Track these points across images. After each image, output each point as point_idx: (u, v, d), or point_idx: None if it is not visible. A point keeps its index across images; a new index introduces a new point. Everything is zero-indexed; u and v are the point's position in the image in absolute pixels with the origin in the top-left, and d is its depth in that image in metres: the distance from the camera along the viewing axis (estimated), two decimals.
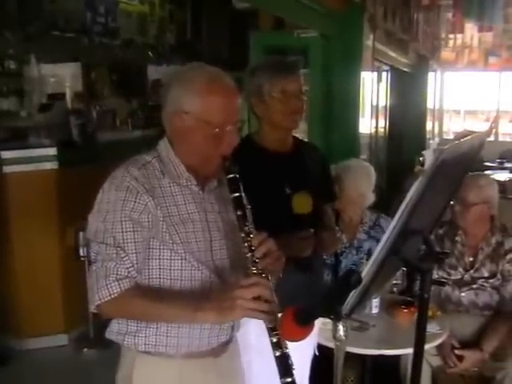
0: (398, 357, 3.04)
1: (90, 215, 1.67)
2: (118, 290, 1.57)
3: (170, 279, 1.66)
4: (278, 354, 1.56)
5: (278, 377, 1.58)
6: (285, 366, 1.57)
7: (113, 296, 1.57)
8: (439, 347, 2.98)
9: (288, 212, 2.24)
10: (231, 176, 1.67)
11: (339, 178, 3.34)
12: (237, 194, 1.65)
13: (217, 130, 1.66)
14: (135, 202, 1.61)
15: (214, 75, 1.70)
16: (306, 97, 2.37)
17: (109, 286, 1.57)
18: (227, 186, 1.68)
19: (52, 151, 4.29)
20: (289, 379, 1.57)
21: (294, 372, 1.58)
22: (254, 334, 2.03)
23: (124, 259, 1.59)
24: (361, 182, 3.41)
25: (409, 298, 3.06)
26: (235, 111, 1.70)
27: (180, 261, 1.66)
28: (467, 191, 3.12)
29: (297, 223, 2.18)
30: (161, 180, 1.68)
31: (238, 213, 1.64)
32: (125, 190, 1.61)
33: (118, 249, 1.60)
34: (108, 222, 1.61)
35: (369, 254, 3.31)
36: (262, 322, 1.56)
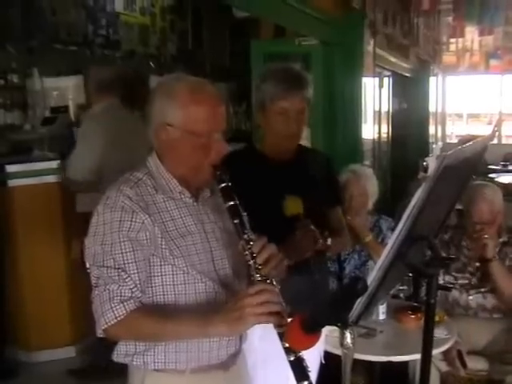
0: (406, 362, 3.04)
1: (87, 239, 1.64)
2: (124, 311, 1.55)
3: (175, 294, 1.65)
4: (291, 358, 1.54)
5: (285, 382, 1.57)
6: (300, 369, 1.55)
7: (119, 318, 1.55)
8: (445, 353, 2.98)
9: (286, 221, 2.23)
10: (224, 185, 1.66)
11: (346, 184, 3.35)
12: (232, 203, 1.64)
13: (203, 139, 1.65)
14: (131, 221, 1.59)
15: (196, 85, 1.69)
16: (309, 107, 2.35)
17: (114, 308, 1.55)
18: (221, 196, 1.67)
19: (56, 164, 4.30)
20: (306, 382, 1.55)
21: (310, 375, 1.56)
22: (257, 337, 2.02)
23: (126, 280, 1.57)
24: (368, 186, 3.43)
25: (415, 304, 3.06)
26: (220, 119, 1.69)
27: (182, 275, 1.64)
28: (481, 212, 3.13)
29: (291, 225, 2.17)
30: (154, 196, 1.66)
31: (235, 221, 1.63)
32: (120, 210, 1.59)
33: (120, 270, 1.57)
34: (106, 245, 1.58)
35: (370, 256, 3.32)
36: (265, 326, 1.55)
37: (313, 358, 2.36)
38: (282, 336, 1.53)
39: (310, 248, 2.18)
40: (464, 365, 3.01)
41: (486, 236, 3.06)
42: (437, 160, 1.19)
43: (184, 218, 1.69)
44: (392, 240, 1.30)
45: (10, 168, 4.16)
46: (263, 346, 2.03)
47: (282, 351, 1.55)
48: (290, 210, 2.17)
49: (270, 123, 2.29)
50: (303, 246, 2.16)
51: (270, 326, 1.55)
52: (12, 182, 4.16)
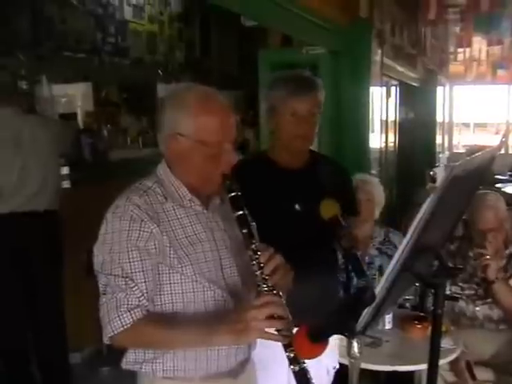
0: (411, 372, 3.03)
1: (95, 247, 1.66)
2: (131, 320, 1.56)
3: (183, 302, 1.66)
4: (296, 369, 1.55)
5: None
6: (304, 380, 1.56)
7: (125, 327, 1.56)
8: (452, 363, 2.97)
9: (296, 229, 2.22)
10: (233, 194, 1.67)
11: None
12: (240, 213, 1.65)
13: (214, 149, 1.66)
14: (140, 230, 1.60)
15: (207, 95, 1.70)
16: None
17: (120, 316, 1.56)
18: (230, 205, 1.68)
19: (64, 170, 4.32)
20: None
21: None
22: (258, 344, 2.00)
23: (134, 289, 1.58)
24: (375, 194, 3.44)
25: (421, 313, 3.05)
26: (231, 129, 1.70)
27: (191, 283, 1.65)
28: (486, 219, 3.13)
29: (330, 228, 2.13)
30: (164, 204, 1.68)
31: (244, 231, 1.64)
32: (128, 219, 1.60)
33: (127, 279, 1.59)
34: (114, 253, 1.60)
35: (380, 270, 3.31)
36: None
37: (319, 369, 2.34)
38: (286, 347, 1.54)
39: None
40: (473, 376, 3.00)
41: (488, 257, 3.05)
42: (445, 170, 1.19)
43: (194, 225, 1.70)
44: (400, 250, 1.30)
45: None
46: (264, 352, 2.02)
47: (283, 359, 1.55)
48: (327, 213, 2.11)
49: (282, 126, 2.30)
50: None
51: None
52: None
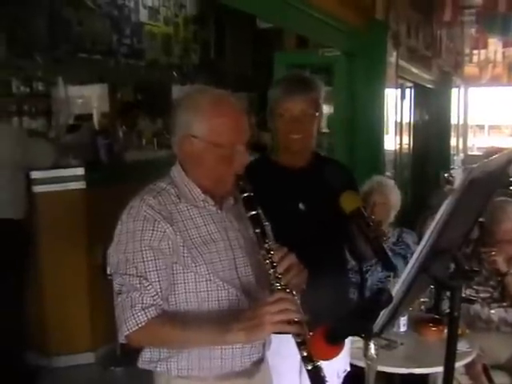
0: (426, 375, 3.02)
1: (111, 247, 1.69)
2: (145, 318, 1.58)
3: (198, 302, 1.67)
4: (309, 367, 1.55)
5: None
6: (318, 379, 1.56)
7: (140, 325, 1.57)
8: (468, 367, 2.95)
9: (301, 229, 2.21)
10: (246, 195, 1.68)
11: (369, 193, 3.34)
12: (253, 213, 1.67)
13: (227, 151, 1.67)
14: (153, 230, 1.62)
15: (219, 97, 1.72)
16: (320, 116, 2.33)
17: (135, 315, 1.58)
18: (243, 205, 1.69)
19: (80, 171, 4.35)
20: None
21: None
22: (270, 353, 2.00)
23: (148, 288, 1.60)
24: (391, 196, 3.44)
25: (436, 316, 3.04)
26: (243, 130, 1.72)
27: (205, 282, 1.66)
28: (505, 231, 3.14)
29: (354, 220, 2.06)
30: (178, 205, 1.69)
31: (257, 231, 1.65)
32: (142, 220, 1.63)
33: (141, 278, 1.60)
34: (129, 253, 1.62)
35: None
36: (279, 341, 1.56)
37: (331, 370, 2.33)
38: (300, 345, 1.54)
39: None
40: (490, 380, 2.98)
41: (494, 252, 3.07)
42: (463, 173, 1.20)
43: (207, 225, 1.71)
44: (417, 253, 1.30)
45: (35, 174, 4.21)
46: (277, 361, 2.01)
47: (295, 367, 1.56)
48: (350, 205, 2.05)
49: (277, 126, 2.30)
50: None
51: (284, 340, 1.57)
52: (37, 188, 4.21)
